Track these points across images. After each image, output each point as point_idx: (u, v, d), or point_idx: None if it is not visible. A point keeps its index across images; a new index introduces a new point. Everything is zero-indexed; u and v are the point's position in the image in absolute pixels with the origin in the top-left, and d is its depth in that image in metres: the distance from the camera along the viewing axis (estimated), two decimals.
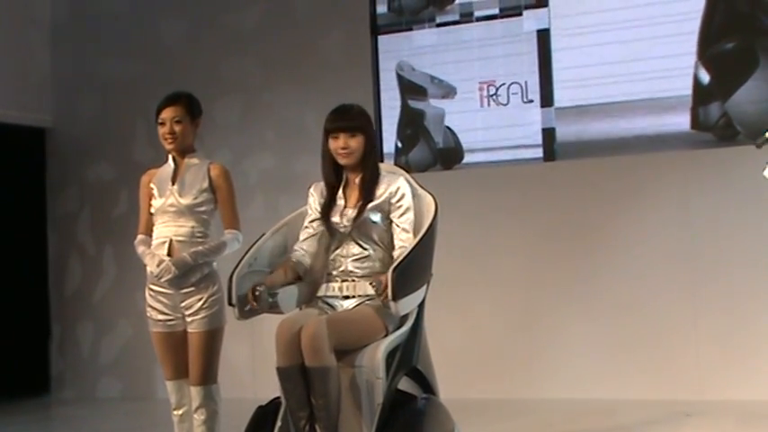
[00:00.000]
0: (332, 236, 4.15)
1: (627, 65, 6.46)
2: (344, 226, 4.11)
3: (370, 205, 4.09)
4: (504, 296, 6.74)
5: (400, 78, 7.13)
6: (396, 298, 3.75)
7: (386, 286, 3.76)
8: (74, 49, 8.11)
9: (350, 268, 4.08)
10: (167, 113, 4.40)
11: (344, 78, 7.10)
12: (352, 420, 3.82)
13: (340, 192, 4.18)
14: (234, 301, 4.00)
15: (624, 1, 6.52)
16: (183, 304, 4.34)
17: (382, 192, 4.13)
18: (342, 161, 4.14)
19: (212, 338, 4.34)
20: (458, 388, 5.79)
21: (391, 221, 4.11)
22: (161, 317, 4.39)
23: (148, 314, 4.43)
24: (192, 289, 4.33)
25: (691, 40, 6.34)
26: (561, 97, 6.66)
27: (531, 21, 6.73)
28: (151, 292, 4.41)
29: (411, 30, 7.05)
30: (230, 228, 4.41)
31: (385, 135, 7.12)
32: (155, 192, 4.42)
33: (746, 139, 6.05)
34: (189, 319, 4.33)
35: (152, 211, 4.42)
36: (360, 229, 4.10)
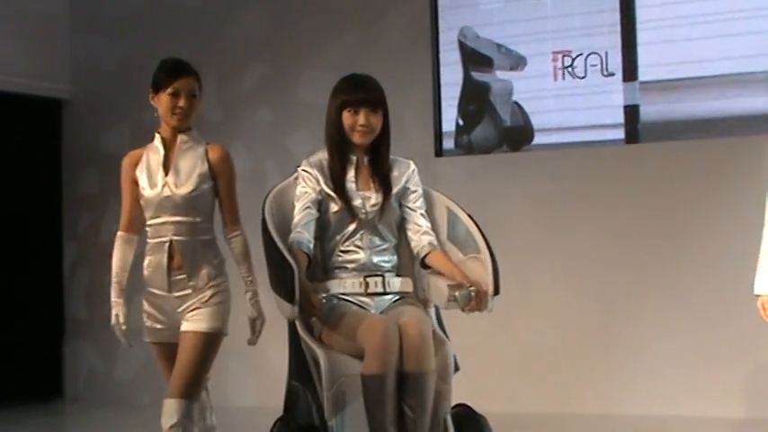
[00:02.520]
0: (347, 223, 3.84)
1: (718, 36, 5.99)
2: (366, 212, 3.84)
3: (395, 190, 3.89)
4: (575, 300, 6.38)
5: (462, 47, 6.72)
6: (497, 292, 3.66)
7: (472, 283, 3.63)
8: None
9: (374, 261, 3.84)
10: (184, 84, 3.85)
11: (401, 46, 6.72)
12: None
13: (352, 173, 3.88)
14: (296, 298, 3.52)
15: None
16: (183, 306, 3.86)
17: (397, 176, 3.92)
18: (358, 140, 3.85)
19: (209, 343, 3.81)
20: (517, 401, 5.94)
21: (401, 206, 3.93)
22: (159, 325, 3.92)
23: (146, 323, 3.94)
24: (189, 291, 3.87)
25: None
26: (646, 71, 6.27)
27: None
28: (149, 297, 3.92)
29: None
30: (236, 226, 3.92)
31: (444, 111, 6.73)
32: (143, 181, 3.89)
33: None
34: (187, 316, 3.84)
35: (141, 203, 3.90)
36: (384, 217, 3.86)
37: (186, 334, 3.78)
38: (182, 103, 3.82)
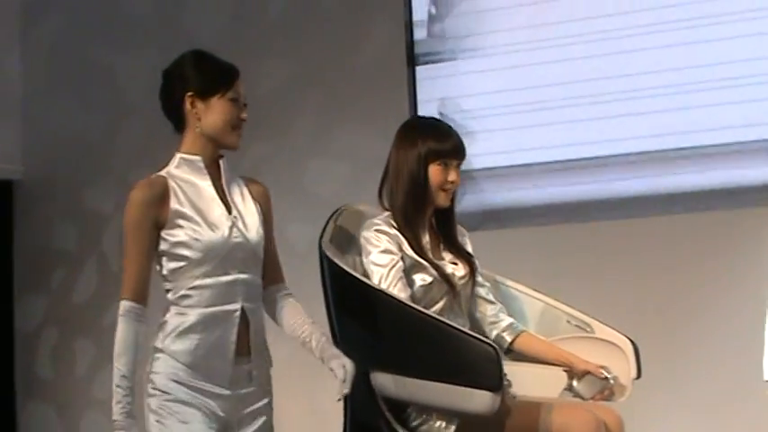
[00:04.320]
0: (437, 299, 3.12)
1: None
2: (459, 284, 3.18)
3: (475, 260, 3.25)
4: None
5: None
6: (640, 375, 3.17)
7: (602, 368, 3.12)
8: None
9: None
10: (242, 90, 2.85)
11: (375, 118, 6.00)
12: None
13: (427, 239, 3.18)
14: (504, 382, 2.90)
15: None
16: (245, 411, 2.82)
17: (464, 243, 3.30)
18: (444, 200, 3.17)
19: None
20: None
21: None
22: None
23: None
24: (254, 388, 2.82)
25: None
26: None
27: None
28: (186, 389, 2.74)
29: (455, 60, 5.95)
30: (283, 281, 2.99)
31: None
32: (189, 221, 2.74)
33: None
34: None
35: (188, 254, 2.72)
36: (470, 289, 3.22)
37: None
38: (244, 115, 2.83)
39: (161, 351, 2.73)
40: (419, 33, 5.90)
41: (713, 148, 5.31)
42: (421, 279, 3.09)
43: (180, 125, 2.82)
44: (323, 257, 3.11)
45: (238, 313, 2.72)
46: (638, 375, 3.14)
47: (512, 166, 5.62)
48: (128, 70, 6.52)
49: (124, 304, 2.69)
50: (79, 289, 6.64)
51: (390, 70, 5.89)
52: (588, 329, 3.24)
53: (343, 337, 3.07)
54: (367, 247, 3.11)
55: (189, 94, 2.77)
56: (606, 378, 3.09)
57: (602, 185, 5.56)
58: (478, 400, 2.84)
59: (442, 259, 3.16)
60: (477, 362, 2.85)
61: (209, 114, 2.76)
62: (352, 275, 3.04)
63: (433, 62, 5.86)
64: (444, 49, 5.88)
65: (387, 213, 3.17)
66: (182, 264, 2.72)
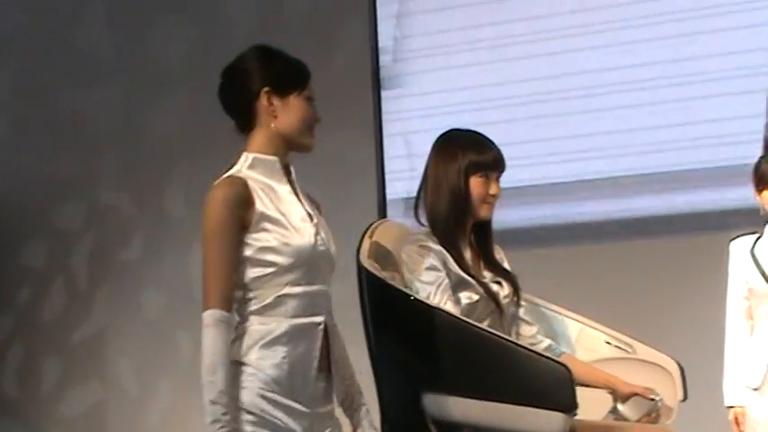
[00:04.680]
0: (481, 318, 2.96)
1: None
2: (504, 303, 3.03)
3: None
4: None
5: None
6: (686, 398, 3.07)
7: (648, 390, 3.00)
8: None
9: None
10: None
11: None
12: None
13: (468, 254, 3.04)
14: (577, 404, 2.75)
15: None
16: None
17: (502, 260, 3.14)
18: (486, 213, 3.02)
19: None
20: None
21: None
22: None
23: None
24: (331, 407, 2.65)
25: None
26: None
27: None
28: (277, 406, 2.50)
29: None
30: None
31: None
32: (275, 224, 2.51)
33: None
34: None
35: (277, 260, 2.49)
36: (514, 309, 3.06)
37: None
38: (318, 116, 2.64)
39: (244, 364, 2.46)
40: (385, 57, 5.93)
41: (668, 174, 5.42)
42: (467, 297, 2.94)
43: (249, 123, 2.59)
44: (362, 273, 2.92)
45: (322, 326, 2.52)
46: (685, 398, 3.07)
47: None
48: (92, 106, 6.43)
49: (214, 313, 2.41)
50: (46, 307, 6.54)
51: (356, 94, 5.90)
52: (630, 350, 3.16)
53: (384, 358, 2.91)
54: (411, 263, 2.97)
55: (266, 89, 2.55)
56: (654, 400, 2.99)
57: (558, 210, 5.60)
58: (549, 422, 2.70)
59: (484, 278, 3.02)
60: (548, 382, 2.71)
61: (286, 112, 2.56)
62: (402, 292, 2.88)
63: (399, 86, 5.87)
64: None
65: (425, 229, 3.04)
66: (269, 270, 2.48)
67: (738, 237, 4.14)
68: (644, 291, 5.45)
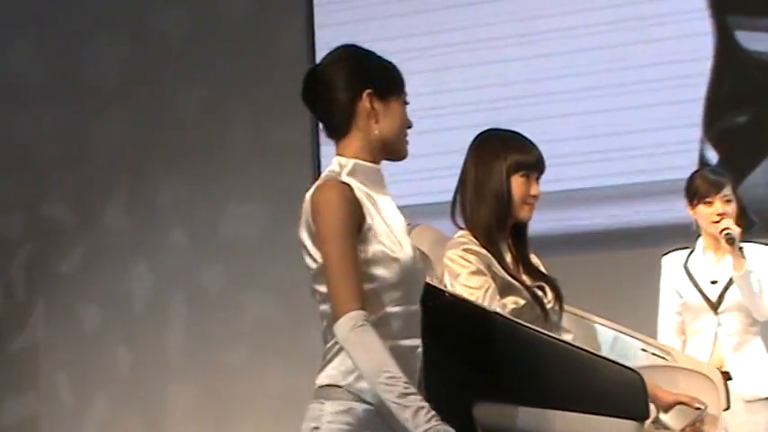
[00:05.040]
0: (530, 321, 2.79)
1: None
2: (551, 310, 2.90)
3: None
4: None
5: None
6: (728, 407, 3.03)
7: (689, 399, 2.90)
8: None
9: None
10: None
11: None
12: None
13: (509, 258, 2.91)
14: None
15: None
16: None
17: (538, 264, 3.02)
18: (527, 214, 2.91)
19: None
20: None
21: None
22: None
23: None
24: None
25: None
26: None
27: None
28: None
29: None
30: None
31: None
32: (383, 236, 2.32)
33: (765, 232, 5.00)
34: None
35: (383, 274, 2.33)
36: (557, 316, 2.93)
37: None
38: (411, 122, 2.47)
39: (341, 389, 2.27)
40: None
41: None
42: (513, 302, 2.81)
43: (345, 127, 2.38)
44: None
45: (420, 350, 2.32)
46: (728, 407, 3.00)
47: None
48: (30, 127, 6.33)
49: (357, 314, 2.20)
50: None
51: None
52: (668, 358, 3.04)
53: (432, 367, 2.60)
54: (454, 268, 2.81)
55: (369, 91, 2.35)
56: (700, 409, 2.88)
57: None
58: (621, 430, 2.59)
59: (526, 282, 2.89)
60: (620, 389, 2.60)
61: (387, 117, 2.37)
62: (452, 296, 2.69)
63: None
64: None
65: (464, 232, 2.90)
66: (372, 285, 2.28)
67: (670, 252, 4.17)
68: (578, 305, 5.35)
